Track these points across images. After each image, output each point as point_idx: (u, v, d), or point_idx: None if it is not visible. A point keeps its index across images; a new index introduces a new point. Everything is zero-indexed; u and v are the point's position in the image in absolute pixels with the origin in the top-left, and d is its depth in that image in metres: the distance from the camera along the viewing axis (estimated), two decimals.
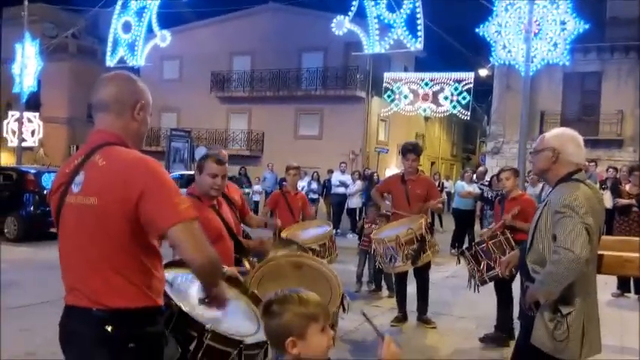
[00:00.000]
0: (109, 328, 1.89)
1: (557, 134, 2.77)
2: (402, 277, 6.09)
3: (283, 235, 5.53)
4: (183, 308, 2.17)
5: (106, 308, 1.90)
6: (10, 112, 25.90)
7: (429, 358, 5.18)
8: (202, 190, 3.49)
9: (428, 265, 5.89)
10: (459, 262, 4.70)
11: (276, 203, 6.72)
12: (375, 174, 16.06)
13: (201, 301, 2.21)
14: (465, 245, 9.35)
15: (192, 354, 2.15)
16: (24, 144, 22.23)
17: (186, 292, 2.30)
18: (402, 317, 6.12)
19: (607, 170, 11.63)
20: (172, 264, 2.45)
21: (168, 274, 2.26)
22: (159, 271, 2.04)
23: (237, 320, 2.35)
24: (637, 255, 2.96)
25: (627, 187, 8.33)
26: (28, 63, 17.55)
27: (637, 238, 4.17)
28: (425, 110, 22.47)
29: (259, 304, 2.49)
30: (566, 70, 18.94)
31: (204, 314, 2.20)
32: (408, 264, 5.28)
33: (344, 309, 3.25)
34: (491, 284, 5.33)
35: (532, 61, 11.26)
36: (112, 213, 1.89)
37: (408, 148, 6.03)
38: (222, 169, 3.49)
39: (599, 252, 2.82)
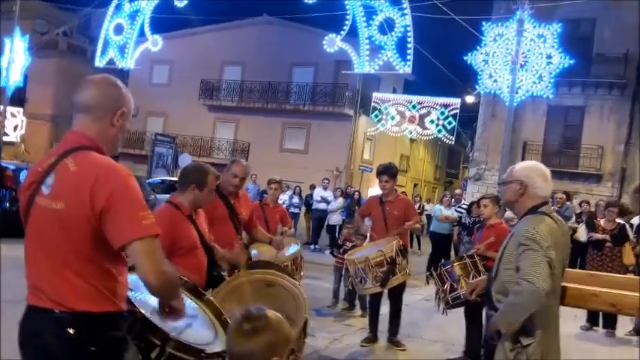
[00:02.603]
0: (71, 331, 1.89)
1: (525, 167, 2.84)
2: (376, 298, 6.09)
3: (253, 247, 5.46)
4: (147, 315, 2.17)
5: (69, 310, 1.90)
6: None
7: None
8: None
9: (402, 288, 5.91)
10: (428, 283, 4.74)
11: (251, 214, 6.69)
12: (357, 192, 16.12)
13: (159, 312, 2.22)
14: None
15: None
16: (6, 138, 21.96)
17: (148, 297, 2.30)
18: (372, 337, 6.12)
19: (580, 204, 11.81)
20: (134, 268, 2.44)
21: (131, 279, 2.26)
22: (123, 276, 2.04)
23: (197, 329, 2.36)
24: (603, 290, 3.02)
25: (602, 222, 8.45)
26: (16, 58, 17.41)
27: (605, 274, 4.25)
28: (410, 132, 22.71)
29: (216, 312, 2.52)
30: (550, 103, 19.28)
31: (165, 321, 2.21)
32: (377, 286, 5.29)
33: (304, 334, 3.22)
34: (462, 309, 5.37)
35: (517, 92, 11.47)
36: (78, 219, 1.90)
37: (379, 169, 6.04)
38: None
39: (565, 284, 2.88)
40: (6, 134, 21.42)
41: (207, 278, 3.65)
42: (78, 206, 1.89)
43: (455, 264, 4.77)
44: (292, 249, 5.76)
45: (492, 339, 2.68)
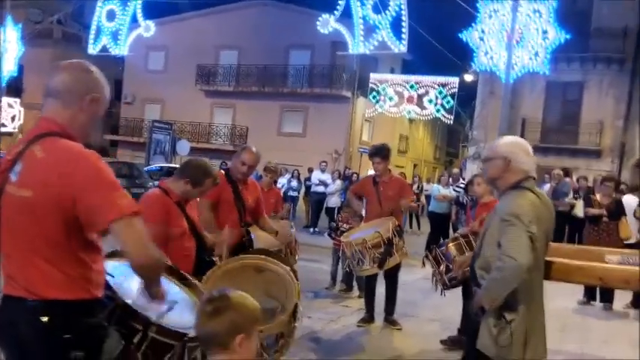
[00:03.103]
0: (44, 319, 1.89)
1: (508, 143, 2.82)
2: (371, 279, 6.11)
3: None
4: (128, 302, 2.17)
5: (41, 299, 1.90)
6: None
7: (392, 358, 5.23)
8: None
9: (397, 267, 5.92)
10: (424, 265, 4.74)
11: None
12: (356, 174, 16.10)
13: (142, 293, 2.22)
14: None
15: (136, 347, 2.16)
16: (3, 129, 21.92)
17: (129, 283, 2.30)
18: (368, 318, 6.15)
19: (577, 180, 11.78)
20: (115, 254, 2.44)
21: (111, 264, 2.26)
22: (97, 264, 2.03)
23: (180, 312, 2.37)
24: (589, 263, 3.02)
25: (598, 197, 8.45)
26: (9, 47, 17.31)
27: (596, 248, 4.25)
28: (409, 112, 22.58)
29: (200, 295, 2.52)
30: (548, 79, 19.13)
31: (147, 306, 2.21)
32: (375, 267, 5.30)
33: (294, 319, 3.23)
34: (459, 289, 5.38)
35: (513, 69, 11.38)
36: (47, 208, 1.88)
37: (371, 151, 6.09)
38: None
39: (550, 259, 2.88)
40: (4, 125, 21.38)
41: (197, 264, 3.66)
42: (46, 193, 1.87)
43: (449, 244, 4.76)
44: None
45: (477, 315, 2.69)
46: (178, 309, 2.37)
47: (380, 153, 5.91)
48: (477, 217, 5.56)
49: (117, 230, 1.88)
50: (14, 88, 26.45)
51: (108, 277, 2.13)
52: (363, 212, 6.40)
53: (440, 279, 4.44)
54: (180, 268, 3.40)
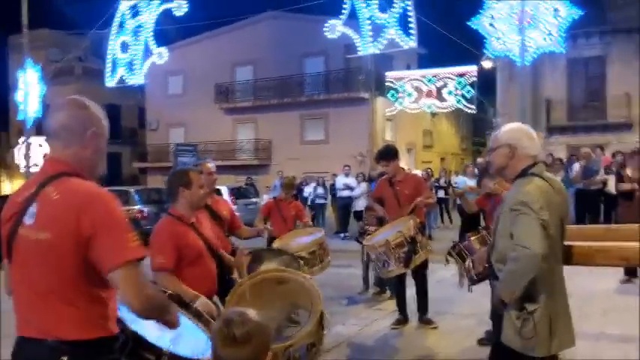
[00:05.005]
0: (65, 358, 1.88)
1: (510, 129, 2.77)
2: (399, 279, 6.04)
3: (275, 244, 5.55)
4: (139, 333, 2.17)
5: (61, 339, 1.90)
6: (21, 139, 26.27)
7: (428, 359, 5.14)
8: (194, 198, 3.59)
9: (425, 265, 5.84)
10: (448, 262, 4.65)
11: (269, 212, 6.78)
12: (380, 174, 15.98)
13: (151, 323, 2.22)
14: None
15: None
16: (34, 169, 22.47)
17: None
18: (402, 319, 6.07)
19: (613, 156, 11.44)
20: None
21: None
22: (112, 300, 2.03)
23: (190, 339, 2.36)
24: (611, 244, 2.90)
25: (629, 171, 8.19)
26: (31, 89, 17.80)
27: (628, 225, 4.07)
28: (429, 107, 22.36)
29: (202, 318, 2.52)
30: (569, 56, 18.71)
31: (158, 334, 2.21)
32: (401, 267, 5.24)
33: (323, 327, 3.22)
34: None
35: (527, 51, 11.16)
36: (65, 247, 1.89)
37: (376, 157, 6.11)
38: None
39: (570, 243, 2.78)
40: (35, 165, 21.97)
41: (220, 284, 3.67)
42: (64, 235, 1.88)
43: (472, 238, 4.65)
44: (311, 237, 5.77)
45: (498, 309, 2.61)
46: (187, 334, 2.36)
47: (385, 156, 5.90)
48: (497, 206, 5.41)
49: (119, 275, 1.88)
50: (42, 128, 27.13)
51: None
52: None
53: (467, 274, 4.34)
54: (203, 288, 3.43)
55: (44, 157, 2.13)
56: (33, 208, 1.95)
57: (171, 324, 2.20)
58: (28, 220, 1.95)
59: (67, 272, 1.90)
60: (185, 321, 2.41)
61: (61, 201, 1.91)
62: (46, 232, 1.90)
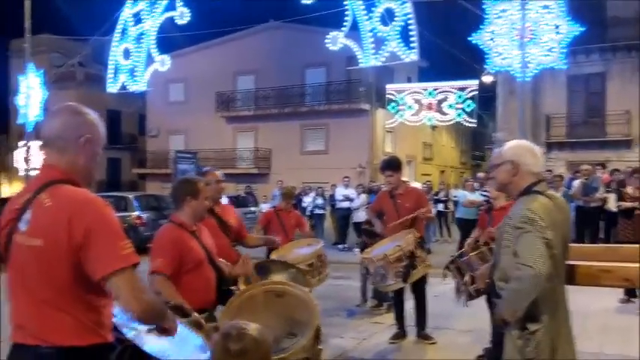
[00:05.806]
0: None
1: (513, 146, 2.76)
2: (398, 294, 6.01)
3: (273, 255, 5.51)
4: (135, 342, 2.15)
5: (55, 346, 1.90)
6: (21, 142, 26.21)
7: None
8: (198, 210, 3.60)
9: (424, 280, 5.81)
10: (445, 277, 4.62)
11: (268, 221, 6.75)
12: (379, 187, 15.97)
13: (150, 331, 2.20)
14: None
15: None
16: (35, 173, 22.43)
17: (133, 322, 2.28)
18: (401, 333, 6.04)
19: (611, 173, 11.45)
20: None
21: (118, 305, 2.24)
22: (107, 308, 2.03)
23: (187, 348, 2.34)
24: (614, 264, 2.88)
25: (629, 190, 8.19)
26: (32, 93, 17.81)
27: (623, 245, 4.06)
28: (430, 120, 22.35)
29: (201, 328, 2.50)
30: (569, 73, 18.76)
31: (155, 344, 2.19)
32: (400, 281, 5.21)
33: (318, 341, 3.18)
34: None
35: (527, 67, 11.19)
36: (57, 255, 1.89)
37: (382, 165, 6.06)
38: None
39: (573, 262, 2.76)
40: (34, 169, 21.95)
41: (218, 294, 3.64)
42: (56, 242, 1.88)
43: (471, 254, 4.64)
44: (310, 249, 5.74)
45: (500, 328, 2.59)
46: (183, 343, 2.34)
47: (390, 166, 5.86)
48: (496, 222, 5.39)
49: (116, 281, 1.88)
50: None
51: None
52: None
53: (464, 290, 4.31)
54: (203, 297, 3.41)
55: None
56: (27, 215, 1.96)
57: (170, 331, 2.19)
58: (22, 226, 1.96)
59: (60, 279, 1.90)
60: (184, 330, 2.39)
61: (54, 208, 1.91)
62: (38, 239, 1.91)
